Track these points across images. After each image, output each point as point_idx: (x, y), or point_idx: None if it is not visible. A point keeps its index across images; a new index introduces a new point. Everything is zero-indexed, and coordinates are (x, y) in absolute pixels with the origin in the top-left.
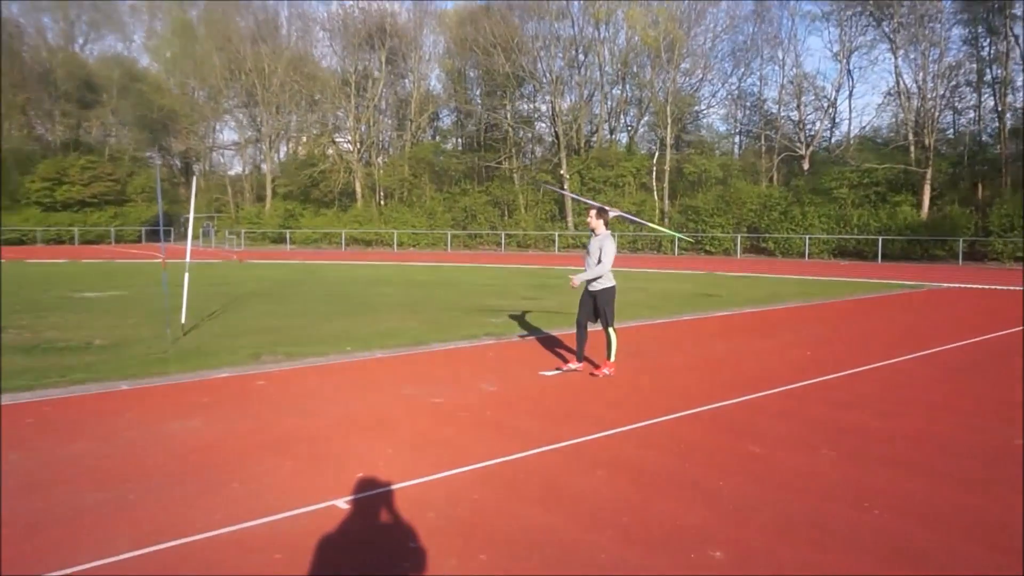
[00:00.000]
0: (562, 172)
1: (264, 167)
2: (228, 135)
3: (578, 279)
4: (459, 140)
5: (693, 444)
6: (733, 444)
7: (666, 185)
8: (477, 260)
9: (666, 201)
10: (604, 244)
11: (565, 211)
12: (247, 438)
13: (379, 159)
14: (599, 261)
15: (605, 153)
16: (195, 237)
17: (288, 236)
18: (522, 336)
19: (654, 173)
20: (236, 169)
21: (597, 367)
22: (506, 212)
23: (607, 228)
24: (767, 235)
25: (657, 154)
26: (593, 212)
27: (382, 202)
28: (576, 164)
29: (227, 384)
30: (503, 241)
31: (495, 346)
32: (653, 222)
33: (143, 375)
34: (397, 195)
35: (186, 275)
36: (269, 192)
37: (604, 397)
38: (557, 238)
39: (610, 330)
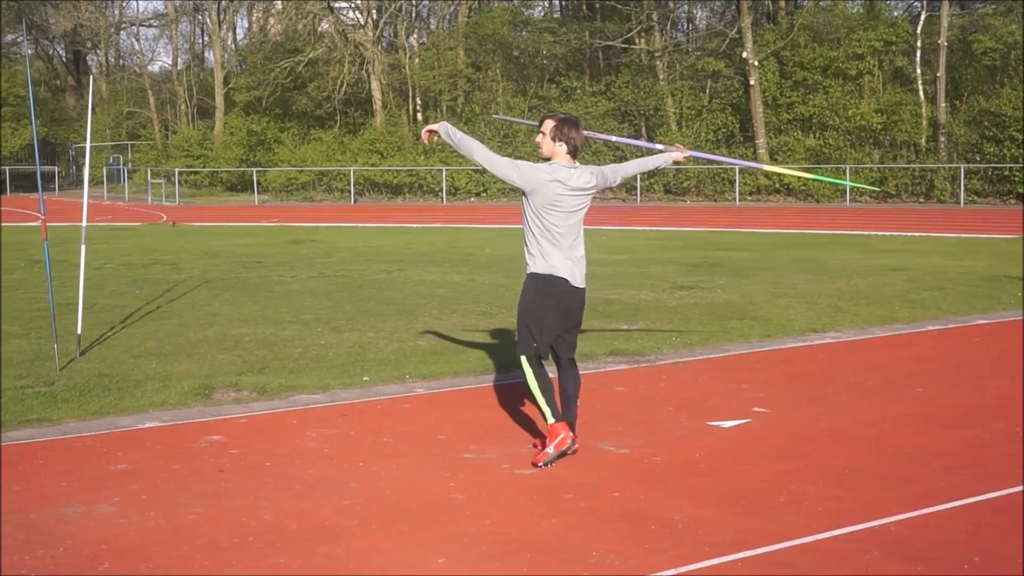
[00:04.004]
0: (744, 55)
1: (209, 57)
2: (147, 3)
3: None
4: (555, 2)
5: None
6: None
7: (941, 74)
8: (594, 218)
9: (941, 102)
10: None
11: (751, 124)
12: (188, 538)
13: (412, 39)
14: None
15: (825, 18)
16: (95, 182)
17: (256, 180)
18: (670, 357)
19: (918, 54)
20: (161, 63)
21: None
22: (643, 129)
23: (574, 157)
24: None
25: (924, 18)
26: (549, 124)
27: (419, 116)
28: (770, 40)
29: (155, 441)
30: (638, 183)
31: (627, 373)
32: (915, 139)
33: (10, 425)
34: (446, 104)
35: (82, 250)
36: (220, 102)
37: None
38: (738, 178)
39: (522, 360)
